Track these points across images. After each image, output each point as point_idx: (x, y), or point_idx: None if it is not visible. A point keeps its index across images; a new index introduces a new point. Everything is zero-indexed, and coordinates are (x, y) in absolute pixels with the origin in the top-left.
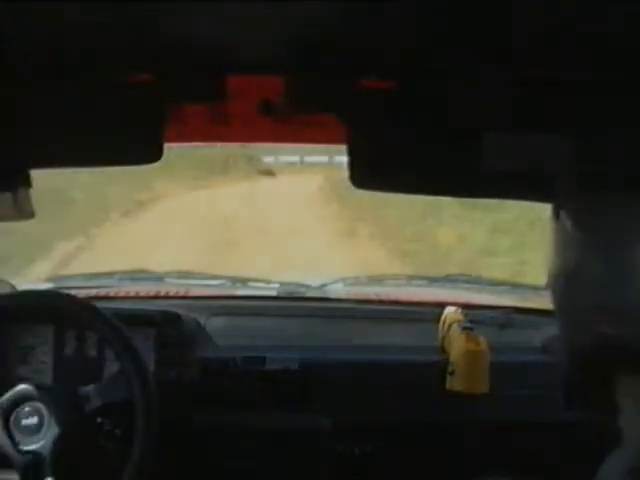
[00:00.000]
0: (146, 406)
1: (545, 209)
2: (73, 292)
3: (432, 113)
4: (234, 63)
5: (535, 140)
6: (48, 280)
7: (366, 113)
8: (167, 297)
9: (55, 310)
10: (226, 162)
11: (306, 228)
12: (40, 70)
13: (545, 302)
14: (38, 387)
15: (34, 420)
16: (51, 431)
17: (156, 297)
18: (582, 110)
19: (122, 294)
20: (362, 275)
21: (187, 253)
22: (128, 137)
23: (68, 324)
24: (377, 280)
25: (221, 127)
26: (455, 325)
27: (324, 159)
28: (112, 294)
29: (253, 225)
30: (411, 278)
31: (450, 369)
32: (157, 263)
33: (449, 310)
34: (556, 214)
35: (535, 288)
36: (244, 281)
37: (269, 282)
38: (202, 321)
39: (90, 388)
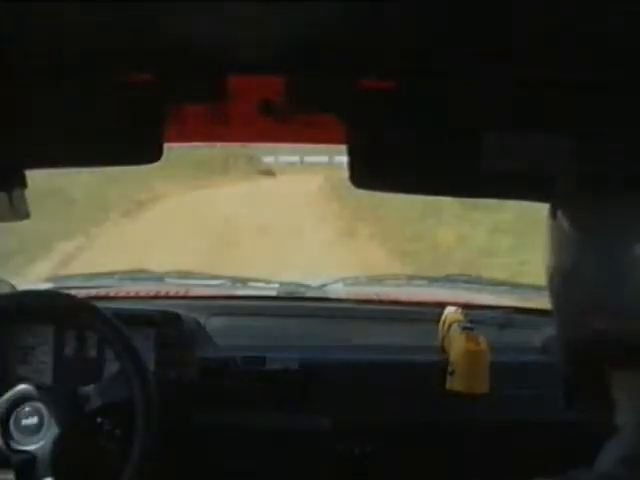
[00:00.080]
0: (146, 406)
1: (545, 209)
2: (73, 292)
3: (432, 113)
4: (234, 63)
5: (535, 140)
6: (48, 280)
7: (366, 113)
8: (167, 297)
9: (55, 310)
10: (226, 162)
11: (306, 228)
12: (40, 70)
13: (545, 302)
14: (38, 387)
15: (34, 420)
16: (51, 431)
17: (156, 297)
18: (582, 110)
19: (122, 294)
20: (362, 275)
21: (187, 253)
22: (128, 137)
23: (68, 324)
24: (377, 280)
25: (221, 127)
26: (455, 325)
27: (324, 159)
28: (112, 294)
29: (253, 225)
30: (411, 278)
31: (450, 369)
32: (157, 263)
33: (449, 310)
34: (553, 214)
35: (535, 288)
36: (244, 281)
37: (269, 282)
38: (202, 321)
39: (90, 388)
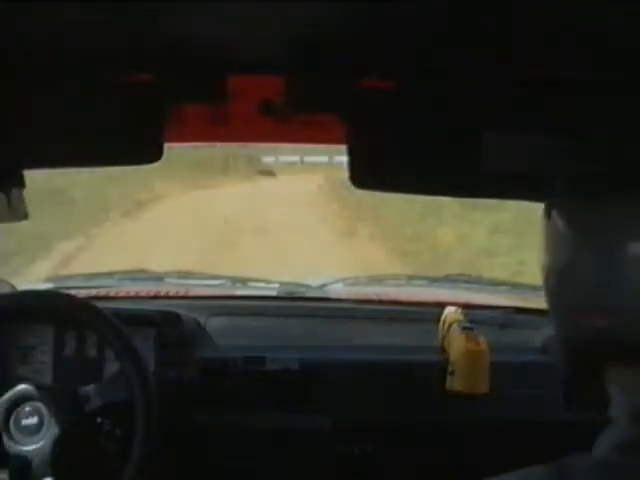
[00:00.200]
0: (146, 406)
1: None
2: (73, 292)
3: (432, 113)
4: (234, 63)
5: (535, 140)
6: (48, 280)
7: (366, 113)
8: (167, 297)
9: (55, 310)
10: (226, 162)
11: (306, 228)
12: (40, 70)
13: (545, 302)
14: (38, 387)
15: (34, 420)
16: (51, 431)
17: (156, 297)
18: (582, 110)
19: (122, 294)
20: (362, 275)
21: (187, 253)
22: (128, 137)
23: (68, 324)
24: (377, 280)
25: (221, 127)
26: (455, 325)
27: (324, 159)
28: (112, 294)
29: (253, 225)
30: (411, 278)
31: (450, 369)
32: (157, 263)
33: (449, 310)
34: (548, 213)
35: (535, 288)
36: (244, 281)
37: (269, 282)
38: (202, 321)
39: (90, 388)
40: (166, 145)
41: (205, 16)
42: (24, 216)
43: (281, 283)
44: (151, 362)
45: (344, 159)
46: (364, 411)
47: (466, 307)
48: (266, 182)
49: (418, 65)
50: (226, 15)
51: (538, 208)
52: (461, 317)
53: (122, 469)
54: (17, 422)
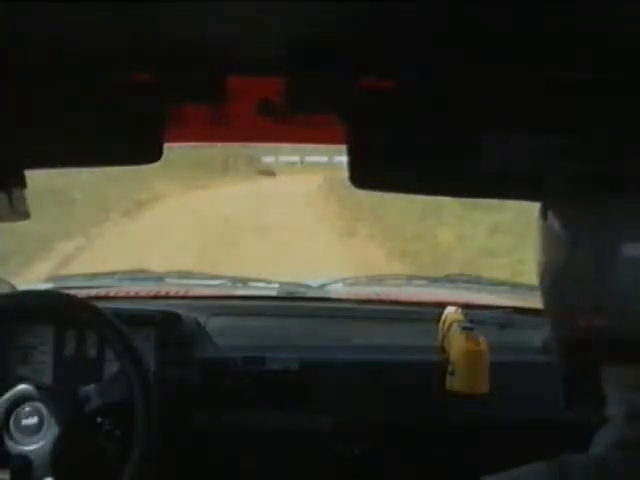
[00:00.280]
0: (146, 406)
1: None
2: (73, 292)
3: (432, 113)
4: (234, 63)
5: (535, 140)
6: (48, 280)
7: (366, 113)
8: (167, 297)
9: (55, 310)
10: (226, 162)
11: (306, 228)
12: (40, 70)
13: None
14: (38, 387)
15: (34, 420)
16: (51, 431)
17: (156, 297)
18: (582, 110)
19: (122, 294)
20: (362, 275)
21: (187, 253)
22: (128, 137)
23: (68, 324)
24: (377, 280)
25: (221, 127)
26: (455, 325)
27: (324, 159)
28: (112, 294)
29: (253, 225)
30: (411, 278)
31: (450, 369)
32: (157, 263)
33: (449, 310)
34: (544, 213)
35: (535, 288)
36: (244, 281)
37: (269, 282)
38: (202, 321)
39: (90, 388)
40: (166, 145)
41: (205, 16)
42: (25, 216)
43: (281, 283)
44: (151, 362)
45: (344, 159)
46: (364, 411)
47: (466, 307)
48: (266, 182)
49: (418, 65)
50: (226, 15)
51: (538, 208)
52: (461, 317)
53: (122, 469)
54: (17, 422)
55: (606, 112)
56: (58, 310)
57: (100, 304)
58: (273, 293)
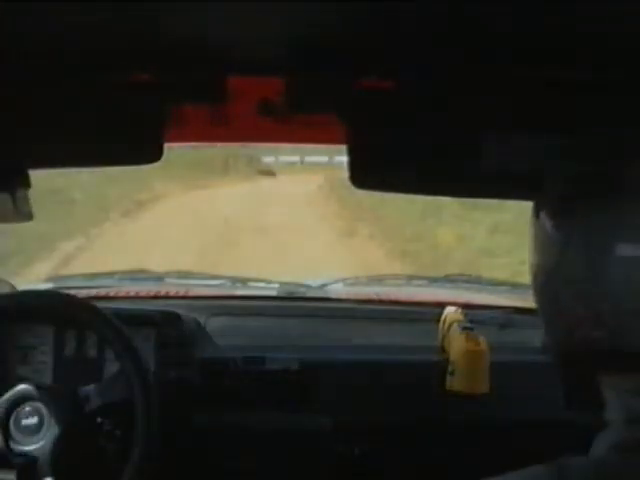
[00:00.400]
0: (146, 406)
1: None
2: (73, 292)
3: (432, 113)
4: (234, 63)
5: (535, 140)
6: (48, 280)
7: (366, 113)
8: (167, 297)
9: (55, 310)
10: (226, 162)
11: (306, 228)
12: (40, 70)
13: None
14: (38, 387)
15: (34, 420)
16: (51, 431)
17: (156, 297)
18: (582, 110)
19: (122, 294)
20: (362, 275)
21: (187, 253)
22: (128, 137)
23: (68, 324)
24: (377, 280)
25: (221, 127)
26: (455, 325)
27: (324, 159)
28: (112, 294)
29: (253, 225)
30: (411, 278)
31: (450, 369)
32: (157, 263)
33: (449, 310)
34: (536, 213)
35: None
36: (244, 281)
37: (269, 282)
38: (202, 321)
39: (90, 388)
40: (166, 145)
41: (205, 16)
42: (29, 217)
43: (281, 283)
44: (151, 362)
45: (344, 159)
46: (364, 411)
47: (466, 307)
48: (266, 182)
49: (418, 65)
50: (226, 15)
51: None
52: (461, 317)
53: (122, 469)
54: (17, 422)
55: (606, 112)
56: (58, 310)
57: (100, 304)
58: (273, 293)
